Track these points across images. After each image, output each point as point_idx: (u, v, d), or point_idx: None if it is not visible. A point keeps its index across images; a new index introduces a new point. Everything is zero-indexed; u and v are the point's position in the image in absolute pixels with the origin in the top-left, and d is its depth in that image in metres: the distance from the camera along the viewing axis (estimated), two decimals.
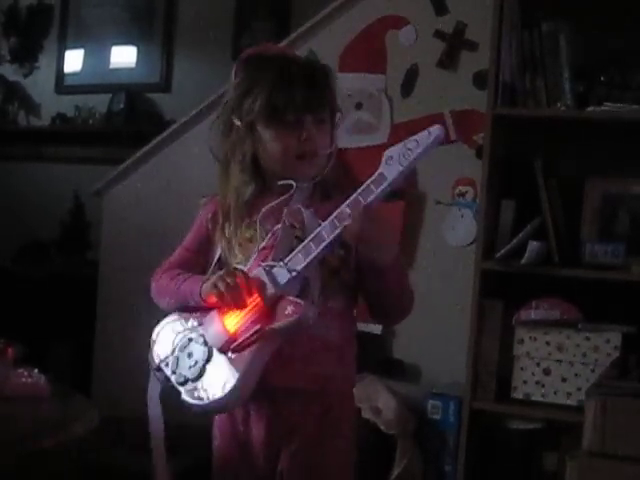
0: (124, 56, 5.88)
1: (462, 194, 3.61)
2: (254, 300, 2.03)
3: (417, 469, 3.34)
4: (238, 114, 2.19)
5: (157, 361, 2.14)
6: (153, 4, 5.78)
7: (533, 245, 3.10)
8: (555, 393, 3.15)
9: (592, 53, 3.23)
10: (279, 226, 2.09)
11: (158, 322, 2.19)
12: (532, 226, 3.13)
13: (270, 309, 2.00)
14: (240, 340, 2.01)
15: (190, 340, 2.10)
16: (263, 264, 2.04)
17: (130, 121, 5.65)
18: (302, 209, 2.11)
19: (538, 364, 3.17)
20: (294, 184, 2.10)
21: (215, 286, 2.06)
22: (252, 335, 2.00)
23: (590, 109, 3.12)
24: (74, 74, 6.04)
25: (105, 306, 4.30)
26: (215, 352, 2.05)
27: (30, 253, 5.66)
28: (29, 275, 5.33)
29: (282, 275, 2.01)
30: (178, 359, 2.10)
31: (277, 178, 2.15)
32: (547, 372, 3.16)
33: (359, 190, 1.96)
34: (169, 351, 2.12)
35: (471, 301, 3.20)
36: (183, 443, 3.47)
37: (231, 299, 2.03)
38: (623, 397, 2.40)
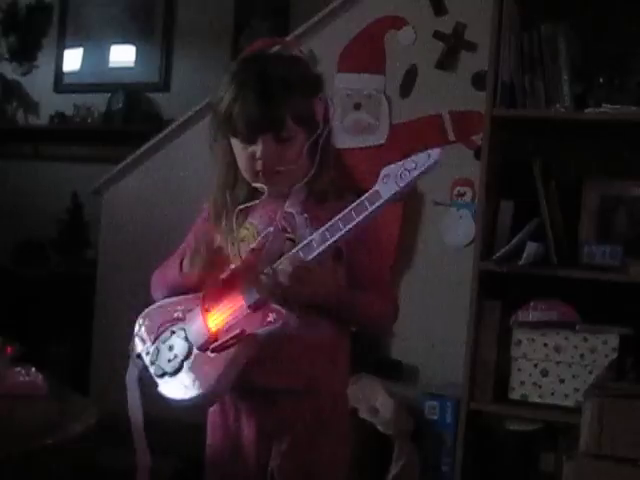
0: (123, 55, 5.88)
1: (461, 195, 3.62)
2: (237, 301, 2.04)
3: (414, 470, 3.34)
4: (217, 122, 2.20)
5: (138, 349, 2.14)
6: (152, 3, 5.78)
7: (531, 246, 3.10)
8: (553, 394, 3.15)
9: (591, 55, 3.24)
10: (270, 229, 2.09)
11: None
12: (530, 227, 3.13)
13: (252, 313, 2.02)
14: (220, 342, 2.02)
15: (172, 333, 2.10)
16: (249, 268, 2.05)
17: (129, 120, 5.65)
18: (294, 214, 2.11)
19: (536, 365, 3.17)
20: (265, 189, 2.10)
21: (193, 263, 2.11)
22: (231, 338, 2.01)
23: (589, 110, 3.12)
24: (73, 73, 6.05)
25: (103, 305, 4.30)
26: (195, 349, 2.06)
27: (28, 252, 5.66)
28: (27, 274, 5.33)
29: (269, 281, 2.01)
30: (159, 351, 2.10)
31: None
32: (545, 373, 3.16)
33: (352, 206, 1.95)
34: (151, 340, 2.13)
35: (469, 302, 3.20)
36: (176, 441, 3.48)
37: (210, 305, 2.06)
38: (620, 398, 2.41)
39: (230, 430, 2.22)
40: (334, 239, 1.97)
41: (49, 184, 5.84)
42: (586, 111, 3.13)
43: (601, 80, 3.17)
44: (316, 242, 1.98)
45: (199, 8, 5.64)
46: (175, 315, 2.13)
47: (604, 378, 2.82)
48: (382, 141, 3.72)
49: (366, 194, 1.96)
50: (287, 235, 2.09)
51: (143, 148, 4.26)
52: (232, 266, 2.11)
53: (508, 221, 3.24)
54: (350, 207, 1.96)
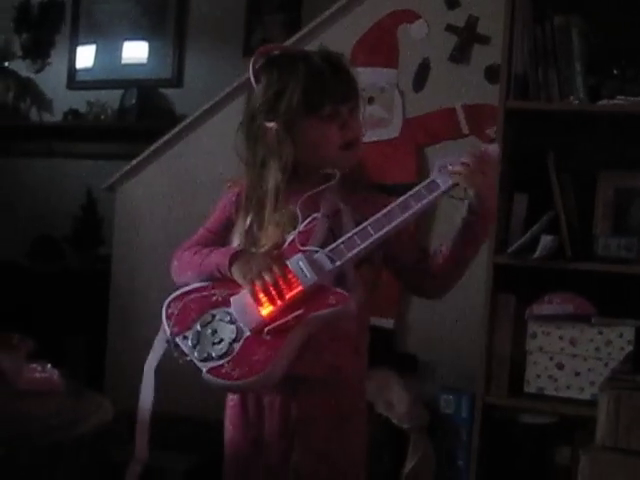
0: (136, 51, 5.88)
1: None
2: (290, 282, 2.03)
3: (430, 464, 3.34)
4: (272, 116, 2.18)
5: (174, 331, 2.10)
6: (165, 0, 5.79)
7: (546, 239, 3.09)
8: (568, 387, 3.14)
9: (604, 46, 3.22)
10: (317, 215, 2.09)
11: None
12: (545, 220, 3.13)
13: (308, 295, 2.00)
14: (278, 323, 2.00)
15: (213, 316, 2.08)
16: (303, 249, 2.04)
17: (142, 116, 5.65)
18: (341, 204, 2.11)
19: (551, 358, 3.16)
20: (337, 173, 2.10)
21: (249, 280, 2.06)
22: (292, 319, 1.99)
23: (602, 102, 3.11)
24: (86, 70, 6.05)
25: (118, 301, 4.31)
26: (245, 332, 2.03)
27: (43, 249, 5.67)
28: (42, 270, 5.34)
29: (324, 263, 2.01)
30: (199, 334, 2.07)
31: (313, 169, 2.15)
32: (560, 366, 3.15)
33: (410, 192, 1.97)
34: (189, 325, 2.09)
35: (484, 295, 3.19)
36: (191, 437, 3.49)
37: (265, 295, 2.04)
38: (637, 391, 2.40)
39: (251, 424, 2.21)
40: (392, 225, 1.97)
41: (63, 181, 5.85)
42: (600, 103, 3.12)
43: (615, 72, 3.16)
44: (372, 228, 1.98)
45: (211, 3, 5.64)
46: (214, 299, 2.11)
47: (620, 371, 2.81)
48: (395, 135, 3.71)
49: (422, 183, 1.97)
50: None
51: (156, 144, 4.26)
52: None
53: (522, 214, 3.23)
54: (406, 195, 1.97)
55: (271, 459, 2.20)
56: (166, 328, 2.12)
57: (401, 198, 1.97)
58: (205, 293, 2.14)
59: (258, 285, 2.04)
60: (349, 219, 2.09)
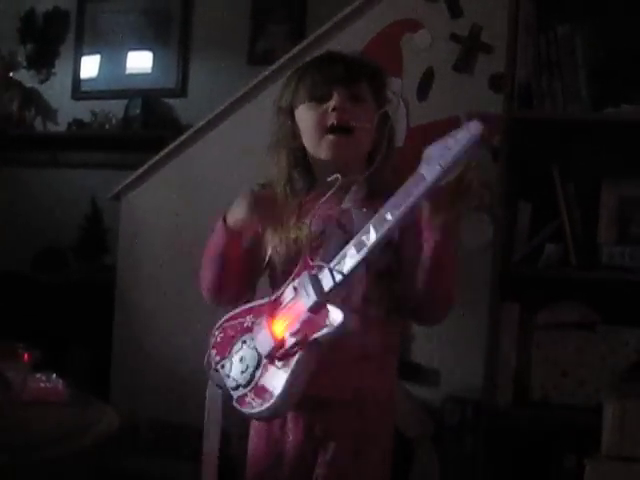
0: (140, 61, 5.89)
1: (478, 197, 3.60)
2: (299, 305, 1.99)
3: (435, 472, 3.33)
4: (280, 103, 2.22)
5: (214, 362, 2.10)
6: (169, 9, 5.79)
7: (550, 248, 3.09)
8: (573, 396, 3.14)
9: (608, 55, 3.22)
10: (328, 226, 2.07)
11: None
12: (549, 229, 3.13)
13: (314, 316, 1.97)
14: (284, 349, 1.97)
15: (243, 343, 2.06)
16: (308, 269, 1.99)
17: (146, 126, 5.66)
18: (352, 209, 2.09)
19: (556, 367, 3.16)
20: (339, 177, 2.04)
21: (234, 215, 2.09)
22: (294, 345, 1.96)
23: (607, 111, 3.11)
24: (90, 80, 6.06)
25: (123, 311, 4.30)
26: (262, 358, 2.01)
27: (48, 259, 5.67)
28: (47, 281, 5.34)
29: (327, 281, 1.96)
30: (232, 362, 2.06)
31: (326, 174, 2.12)
32: (565, 374, 3.15)
33: (397, 192, 1.91)
34: (226, 353, 2.08)
35: (489, 304, 3.19)
36: (197, 446, 3.49)
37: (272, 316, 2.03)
38: None
39: (275, 437, 2.20)
40: (385, 229, 1.91)
41: (68, 191, 5.85)
42: (604, 111, 3.12)
43: (619, 80, 3.16)
44: (366, 236, 1.93)
45: (216, 13, 5.65)
46: (245, 325, 2.09)
47: (625, 379, 2.81)
48: (400, 144, 3.71)
49: (410, 178, 1.92)
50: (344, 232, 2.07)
51: (161, 154, 4.27)
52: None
53: (526, 223, 3.23)
54: (395, 194, 1.90)
55: (294, 474, 2.19)
56: (211, 358, 2.11)
57: (390, 199, 1.91)
58: (240, 319, 2.12)
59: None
60: (361, 227, 2.05)
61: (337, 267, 1.95)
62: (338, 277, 1.94)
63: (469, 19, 3.64)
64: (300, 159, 2.20)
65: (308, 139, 2.17)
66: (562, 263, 3.13)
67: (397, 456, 3.30)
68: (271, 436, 2.20)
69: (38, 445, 2.22)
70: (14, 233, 5.87)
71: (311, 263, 2.00)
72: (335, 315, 1.92)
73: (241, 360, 2.04)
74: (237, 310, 2.16)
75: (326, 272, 1.95)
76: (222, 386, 2.08)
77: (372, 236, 1.91)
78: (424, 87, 3.73)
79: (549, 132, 3.31)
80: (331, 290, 1.94)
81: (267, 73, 3.91)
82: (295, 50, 3.88)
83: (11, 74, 6.10)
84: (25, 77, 6.16)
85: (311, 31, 4.14)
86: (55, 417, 2.45)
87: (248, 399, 2.00)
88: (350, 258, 1.93)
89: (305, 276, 1.99)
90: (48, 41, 6.12)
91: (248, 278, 2.24)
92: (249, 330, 2.07)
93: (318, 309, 1.94)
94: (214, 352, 2.12)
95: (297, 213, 2.16)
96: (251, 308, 2.12)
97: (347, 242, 1.97)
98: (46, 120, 6.15)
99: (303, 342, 1.95)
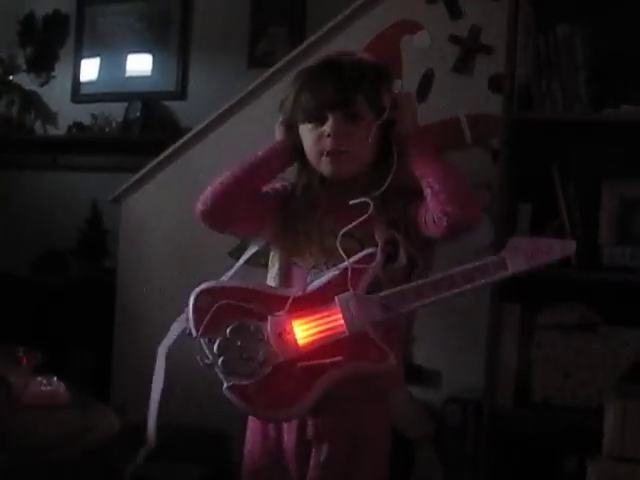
0: (140, 64, 5.89)
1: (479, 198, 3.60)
2: (334, 320, 1.99)
3: (436, 474, 3.33)
4: (283, 116, 2.26)
5: (199, 330, 2.02)
6: (168, 12, 5.79)
7: None
8: (574, 397, 3.14)
9: (608, 55, 3.22)
10: (372, 250, 2.06)
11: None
12: (549, 230, 3.12)
13: (352, 341, 1.95)
14: (315, 362, 1.95)
15: (247, 328, 2.01)
16: (357, 290, 1.99)
17: (146, 129, 5.66)
18: (398, 235, 2.09)
19: (557, 368, 3.16)
20: (329, 170, 2.06)
21: None
22: (329, 363, 1.95)
23: (607, 111, 3.11)
24: (90, 83, 6.06)
25: (123, 313, 4.30)
26: (278, 358, 1.98)
27: (48, 261, 5.68)
28: (47, 283, 5.34)
29: (376, 311, 1.96)
30: (228, 343, 2.00)
31: (337, 184, 2.14)
32: (566, 376, 3.15)
33: (477, 263, 1.95)
34: (218, 328, 2.02)
35: (489, 305, 3.19)
36: (203, 449, 3.48)
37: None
38: None
39: (270, 437, 2.20)
40: (450, 293, 1.95)
41: (68, 194, 5.86)
42: (604, 112, 3.12)
43: (619, 80, 3.16)
44: (431, 289, 1.94)
45: (215, 16, 5.65)
46: (250, 309, 2.03)
47: (626, 380, 2.81)
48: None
49: (491, 258, 1.91)
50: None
51: (161, 156, 4.26)
52: (323, 277, 2.07)
53: (527, 224, 3.23)
54: (472, 266, 1.95)
55: (288, 474, 2.19)
56: (191, 322, 2.04)
57: (466, 267, 1.92)
58: (243, 301, 2.04)
59: None
60: (403, 253, 2.06)
61: (387, 300, 1.98)
62: (389, 312, 1.96)
63: (468, 20, 3.64)
64: (304, 163, 2.22)
65: (309, 156, 2.18)
66: (563, 264, 3.12)
67: (398, 457, 3.31)
68: (267, 436, 2.21)
69: (39, 448, 2.21)
70: (14, 236, 5.88)
71: (352, 287, 1.99)
72: (381, 354, 1.96)
73: (241, 346, 1.99)
74: (233, 284, 2.12)
75: (374, 301, 1.97)
76: (205, 360, 2.02)
77: (438, 292, 1.99)
78: (424, 88, 3.72)
79: (549, 133, 3.31)
80: (380, 322, 1.98)
81: (267, 75, 3.91)
82: (295, 52, 3.87)
83: (11, 77, 6.11)
84: (25, 80, 6.17)
85: (311, 33, 4.14)
86: (56, 420, 2.45)
87: (250, 392, 1.96)
88: (404, 298, 1.98)
89: (351, 297, 1.98)
90: (48, 44, 6.13)
91: (258, 208, 2.22)
92: (255, 316, 2.02)
93: (359, 335, 1.95)
94: (197, 319, 2.04)
95: (309, 210, 2.18)
96: (256, 292, 2.08)
97: (385, 265, 2.02)
98: (46, 123, 6.16)
99: (338, 365, 1.94)
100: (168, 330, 2.15)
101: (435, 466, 3.33)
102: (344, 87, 2.14)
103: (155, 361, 2.25)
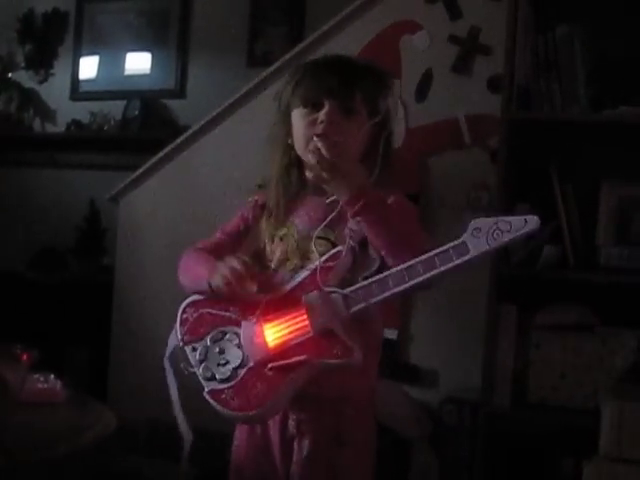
0: (139, 62, 5.89)
1: (477, 198, 3.60)
2: (301, 322, 2.02)
3: (433, 474, 3.33)
4: (279, 102, 2.24)
5: (185, 339, 2.08)
6: (168, 10, 5.79)
7: (548, 249, 3.09)
8: (571, 397, 3.14)
9: (607, 56, 3.22)
10: (340, 247, 2.05)
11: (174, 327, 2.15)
12: (547, 230, 3.13)
13: (318, 338, 1.97)
14: (281, 363, 1.97)
15: (224, 334, 2.06)
16: (321, 289, 1.99)
17: (145, 127, 5.66)
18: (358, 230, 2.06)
19: (554, 368, 3.16)
20: (315, 160, 2.06)
21: (215, 282, 2.07)
22: (295, 362, 1.97)
23: (605, 112, 3.11)
24: (89, 81, 6.06)
25: (121, 312, 4.31)
26: (249, 361, 2.01)
27: (46, 259, 5.67)
28: (45, 281, 5.34)
29: (339, 307, 1.96)
30: (208, 350, 2.05)
31: (317, 181, 2.13)
32: (563, 376, 3.15)
33: (434, 252, 1.90)
34: (200, 337, 2.07)
35: (487, 306, 3.19)
36: (198, 449, 3.48)
37: (237, 283, 2.02)
38: None
39: (256, 432, 2.21)
40: (411, 284, 1.92)
41: (66, 192, 5.85)
42: (603, 113, 3.12)
43: (617, 81, 3.16)
44: (392, 279, 1.94)
45: (214, 14, 5.65)
46: (227, 315, 2.08)
47: (623, 381, 2.81)
48: (398, 145, 3.71)
49: (452, 244, 1.91)
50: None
51: (159, 155, 4.27)
52: (295, 278, 2.09)
53: None
54: (432, 253, 1.90)
55: (274, 469, 2.20)
56: (178, 333, 2.11)
57: (427, 255, 1.91)
58: (221, 309, 2.10)
59: (221, 280, 2.04)
60: (374, 252, 2.05)
61: (351, 297, 1.96)
62: (350, 308, 1.95)
63: (468, 21, 3.65)
64: (294, 159, 2.22)
65: (297, 142, 2.19)
66: (560, 264, 3.13)
67: (395, 457, 3.31)
68: (253, 432, 2.21)
69: (36, 446, 2.21)
70: (12, 233, 5.88)
71: (321, 285, 2.00)
72: (344, 349, 1.94)
73: (220, 352, 2.04)
74: (215, 295, 2.14)
75: (338, 297, 1.96)
76: (186, 367, 2.06)
77: (400, 283, 1.93)
78: (423, 88, 3.73)
79: (547, 133, 3.31)
80: (343, 317, 1.96)
81: (266, 74, 3.91)
82: (294, 52, 3.88)
83: (10, 75, 6.11)
84: (24, 78, 6.17)
85: (310, 32, 4.14)
86: (53, 418, 2.45)
87: (225, 396, 2.00)
88: (368, 294, 1.95)
89: (317, 296, 1.99)
90: (47, 42, 6.13)
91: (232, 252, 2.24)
92: (232, 323, 2.07)
93: (324, 332, 1.96)
94: (183, 330, 2.10)
95: (287, 213, 2.19)
96: (235, 301, 2.10)
97: (355, 262, 2.01)
98: (44, 121, 6.16)
99: (305, 364, 1.96)
100: (165, 328, 2.16)
101: (432, 466, 3.33)
102: (347, 80, 2.16)
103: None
